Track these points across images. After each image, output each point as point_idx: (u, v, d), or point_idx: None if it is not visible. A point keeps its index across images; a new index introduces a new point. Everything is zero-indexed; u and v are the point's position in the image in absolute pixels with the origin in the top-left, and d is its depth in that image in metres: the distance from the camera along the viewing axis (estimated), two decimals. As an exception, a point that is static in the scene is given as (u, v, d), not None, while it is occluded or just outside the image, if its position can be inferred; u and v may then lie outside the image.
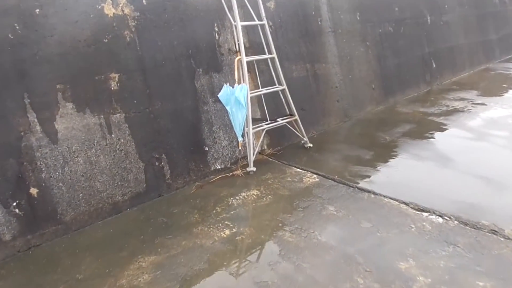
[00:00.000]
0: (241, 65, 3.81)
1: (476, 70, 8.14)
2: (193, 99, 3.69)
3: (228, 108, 3.81)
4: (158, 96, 3.44)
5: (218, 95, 3.78)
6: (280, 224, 2.90)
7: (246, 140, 3.84)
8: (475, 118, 4.91)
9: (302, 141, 4.43)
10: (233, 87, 3.82)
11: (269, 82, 4.27)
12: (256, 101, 4.26)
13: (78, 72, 2.99)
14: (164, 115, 3.46)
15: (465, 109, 5.40)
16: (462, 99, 6.01)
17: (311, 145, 4.40)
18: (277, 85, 4.26)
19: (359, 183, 3.42)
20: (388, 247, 2.55)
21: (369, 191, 3.30)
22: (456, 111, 5.35)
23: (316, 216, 2.97)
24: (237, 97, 3.71)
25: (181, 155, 3.55)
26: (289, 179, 3.67)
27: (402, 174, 3.55)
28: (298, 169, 3.87)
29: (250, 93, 3.89)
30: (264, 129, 4.03)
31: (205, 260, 2.55)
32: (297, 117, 4.26)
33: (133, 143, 3.25)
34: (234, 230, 2.86)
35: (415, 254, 2.43)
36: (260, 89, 4.12)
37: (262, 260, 2.52)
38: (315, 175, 3.71)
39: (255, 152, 3.99)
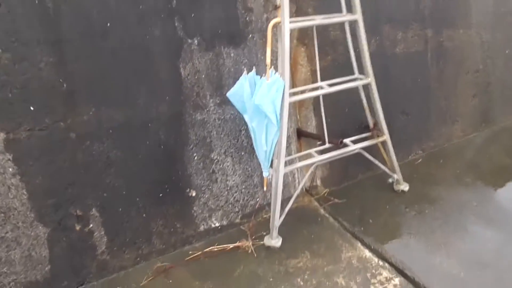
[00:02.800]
0: (280, 35, 1.85)
1: None
2: (174, 99, 1.90)
3: (246, 117, 1.97)
4: (90, 96, 1.72)
5: (228, 94, 1.94)
6: None
7: (273, 178, 1.99)
8: None
9: (390, 179, 2.41)
10: (261, 77, 1.95)
11: (341, 67, 2.25)
12: (311, 102, 2.30)
13: None
14: (101, 134, 1.76)
15: None
16: None
17: (407, 187, 2.37)
18: (357, 75, 2.22)
19: None
20: None
21: None
22: None
23: None
24: (259, 106, 1.83)
25: (135, 207, 1.88)
26: (340, 280, 1.82)
27: None
28: (368, 252, 1.97)
29: (293, 93, 1.96)
30: (314, 164, 2.10)
31: None
32: (386, 137, 2.23)
33: (23, 192, 1.65)
34: None
35: None
36: (319, 84, 2.13)
37: None
38: (397, 278, 1.81)
39: (293, 199, 2.13)
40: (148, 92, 1.83)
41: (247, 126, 1.99)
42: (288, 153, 2.22)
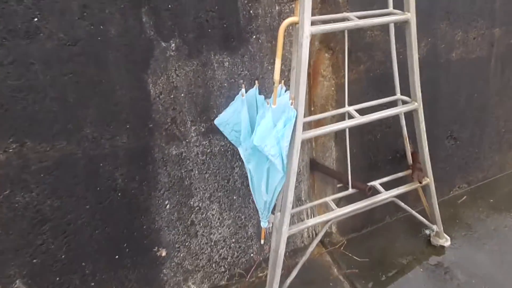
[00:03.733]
0: (297, 41, 1.25)
1: None
2: (138, 127, 1.33)
3: (242, 152, 1.41)
4: (10, 126, 1.16)
5: (217, 121, 1.37)
6: None
7: (273, 239, 1.46)
8: None
9: (427, 231, 1.85)
10: (265, 98, 1.39)
11: (377, 81, 1.66)
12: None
13: None
14: (28, 179, 1.21)
15: None
16: None
17: (448, 241, 1.82)
18: (399, 95, 1.62)
19: None
20: None
21: None
22: None
23: None
24: (259, 148, 1.26)
25: (80, 274, 1.36)
26: None
27: None
28: None
29: (308, 124, 1.39)
30: (331, 221, 1.53)
31: None
32: (430, 180, 1.65)
33: None
34: None
35: None
36: (346, 109, 1.53)
37: None
38: None
39: (299, 266, 1.59)
40: (99, 118, 1.26)
41: (242, 160, 1.43)
42: (297, 195, 1.67)
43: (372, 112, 1.48)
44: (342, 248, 1.79)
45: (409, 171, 1.74)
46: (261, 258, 1.68)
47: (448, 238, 1.83)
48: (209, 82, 1.39)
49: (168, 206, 1.44)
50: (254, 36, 1.42)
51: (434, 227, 1.80)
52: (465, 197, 2.13)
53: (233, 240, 1.59)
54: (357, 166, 1.70)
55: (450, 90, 1.92)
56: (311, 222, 1.47)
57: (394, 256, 1.79)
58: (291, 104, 1.28)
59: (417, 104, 1.53)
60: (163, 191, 1.41)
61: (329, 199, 1.57)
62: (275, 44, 1.46)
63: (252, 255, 1.65)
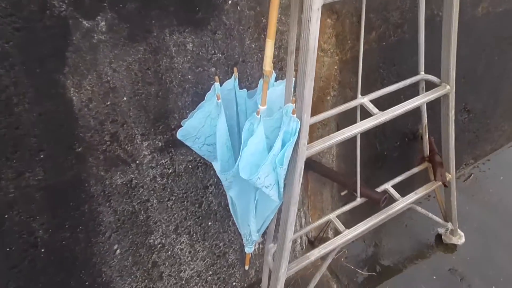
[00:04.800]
0: (301, 16, 0.79)
1: None
2: (60, 154, 0.86)
3: (218, 168, 0.99)
4: None
5: (180, 133, 0.92)
6: None
7: (266, 268, 1.11)
8: None
9: (440, 229, 1.56)
10: (248, 91, 0.94)
11: (392, 52, 1.23)
12: (334, 117, 1.29)
13: None
14: None
15: None
16: None
17: (462, 239, 1.55)
18: (423, 74, 1.21)
19: None
20: None
21: None
22: None
23: None
24: (249, 181, 0.85)
25: None
26: None
27: None
28: None
29: (315, 123, 0.99)
30: (337, 249, 1.17)
31: None
32: (452, 176, 1.32)
33: None
34: None
35: None
36: (359, 101, 1.11)
37: None
38: None
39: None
40: (-8, 149, 0.79)
41: (217, 176, 1.03)
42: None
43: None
44: (342, 259, 1.48)
45: (424, 165, 1.39)
46: (245, 285, 1.33)
47: (462, 235, 1.56)
48: (165, 76, 0.92)
49: (118, 252, 1.02)
50: (229, 2, 0.94)
51: (449, 224, 1.50)
52: (472, 175, 1.85)
53: (210, 272, 1.23)
54: (360, 158, 1.33)
55: (471, 55, 1.53)
56: (315, 254, 1.11)
57: (402, 261, 1.51)
58: (293, 113, 0.85)
59: (449, 88, 1.15)
60: (108, 234, 0.99)
61: (333, 216, 1.21)
62: (260, 11, 0.99)
63: (234, 283, 1.30)
